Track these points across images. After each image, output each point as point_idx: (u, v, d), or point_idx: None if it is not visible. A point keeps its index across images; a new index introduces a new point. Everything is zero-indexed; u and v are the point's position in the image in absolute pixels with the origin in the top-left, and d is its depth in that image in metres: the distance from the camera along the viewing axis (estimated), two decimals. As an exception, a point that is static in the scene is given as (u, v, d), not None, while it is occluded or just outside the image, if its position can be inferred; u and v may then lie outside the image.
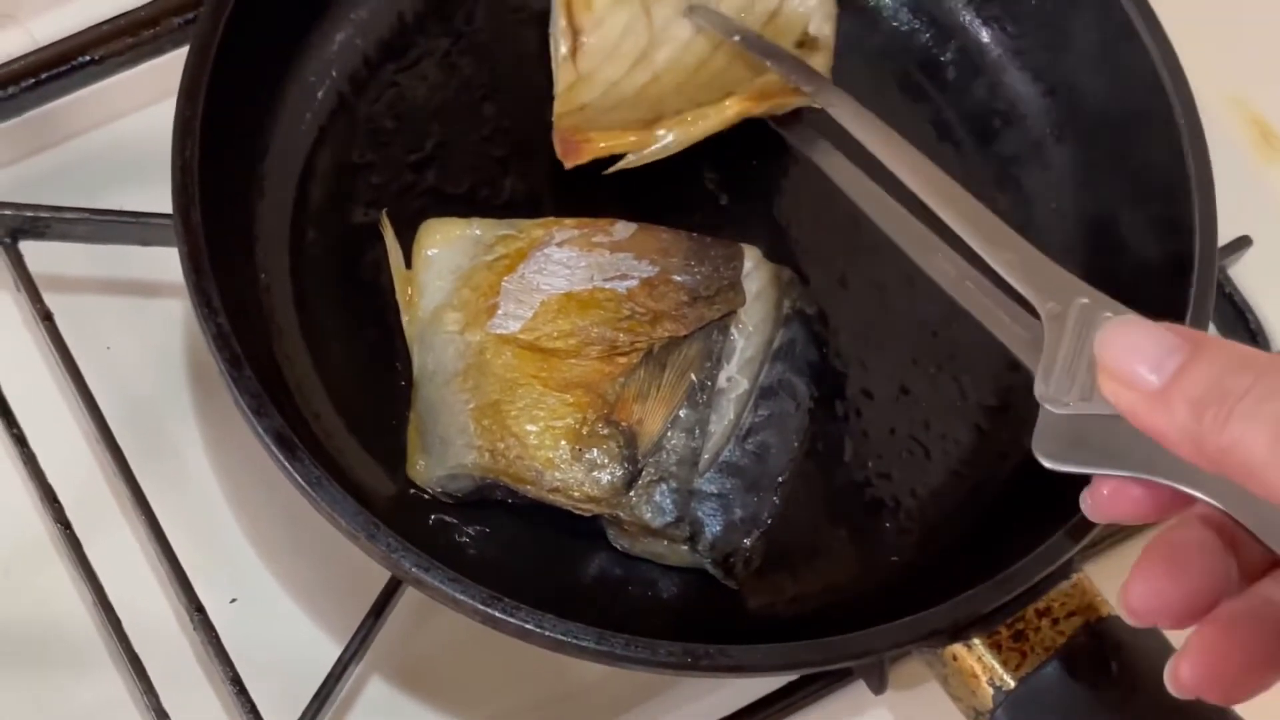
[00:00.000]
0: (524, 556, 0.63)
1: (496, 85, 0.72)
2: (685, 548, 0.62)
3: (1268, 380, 0.43)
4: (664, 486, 0.61)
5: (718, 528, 0.61)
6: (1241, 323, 0.76)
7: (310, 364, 0.65)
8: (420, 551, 0.57)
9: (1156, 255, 0.68)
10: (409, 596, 0.64)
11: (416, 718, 0.66)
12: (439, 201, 0.69)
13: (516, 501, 0.63)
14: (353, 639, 0.63)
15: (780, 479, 0.62)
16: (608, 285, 0.64)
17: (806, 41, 0.70)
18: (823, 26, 0.70)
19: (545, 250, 0.65)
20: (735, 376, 0.63)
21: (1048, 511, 0.61)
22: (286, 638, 0.66)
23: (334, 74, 0.71)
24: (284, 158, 0.69)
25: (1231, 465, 0.43)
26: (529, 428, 0.62)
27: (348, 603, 0.65)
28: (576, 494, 0.61)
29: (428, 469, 0.63)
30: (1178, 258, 0.65)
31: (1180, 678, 0.47)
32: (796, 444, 0.63)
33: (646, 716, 0.67)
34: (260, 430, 0.58)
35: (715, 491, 0.62)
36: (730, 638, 0.58)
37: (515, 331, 0.63)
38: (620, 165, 0.67)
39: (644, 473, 0.61)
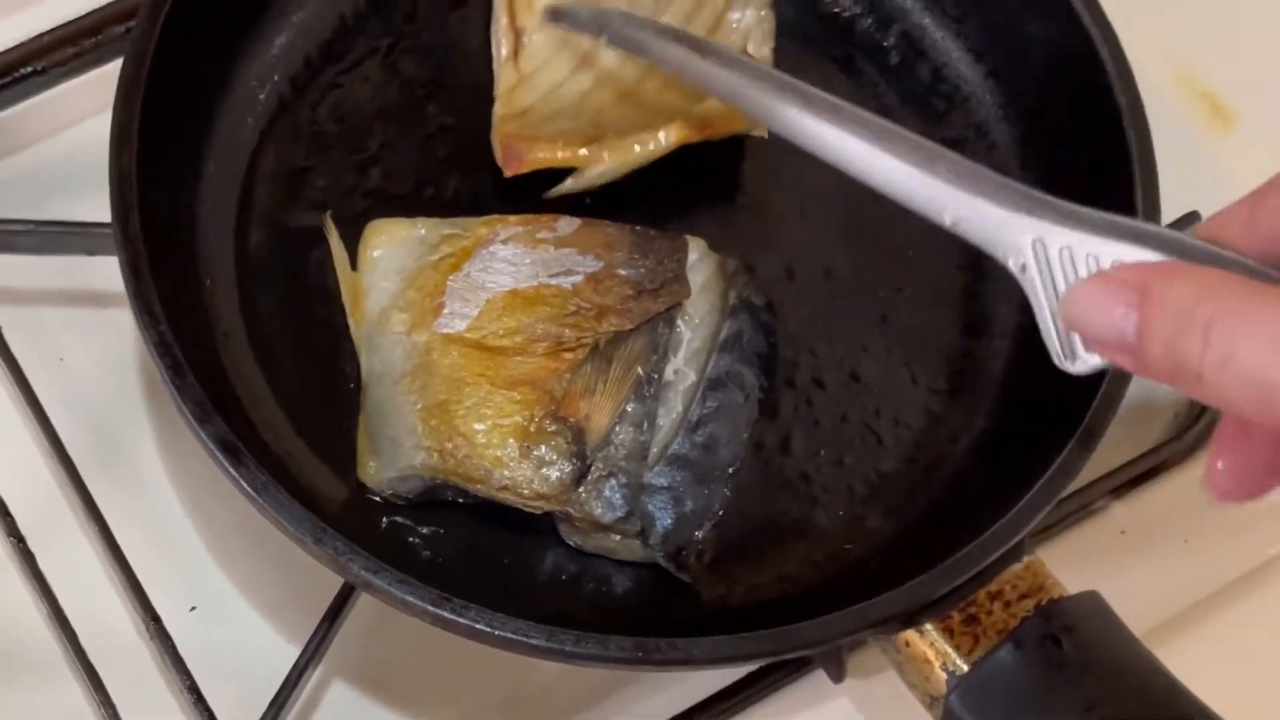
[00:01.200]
0: (477, 556, 0.63)
1: (439, 84, 0.72)
2: (637, 542, 0.62)
3: (1228, 301, 0.42)
4: (613, 481, 0.61)
5: (669, 521, 0.61)
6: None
7: (257, 369, 0.65)
8: (368, 554, 0.57)
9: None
10: (368, 601, 0.63)
11: (377, 721, 0.66)
12: (384, 202, 0.69)
13: (468, 501, 0.62)
14: (308, 644, 0.63)
15: (730, 470, 0.62)
16: (553, 281, 0.64)
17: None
18: (761, 47, 0.70)
19: (490, 248, 0.65)
20: (682, 369, 0.63)
21: (999, 494, 0.61)
22: (245, 644, 0.66)
23: (275, 77, 0.70)
24: (226, 162, 0.68)
25: (1234, 389, 0.42)
26: (477, 426, 0.61)
27: (306, 608, 0.65)
28: (526, 491, 0.61)
29: (378, 471, 0.63)
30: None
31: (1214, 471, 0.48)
32: (746, 435, 0.63)
33: (608, 713, 0.67)
34: (204, 437, 0.58)
35: (665, 485, 0.61)
36: (686, 631, 0.58)
37: (461, 330, 0.63)
38: (560, 190, 0.67)
39: (593, 468, 0.61)
